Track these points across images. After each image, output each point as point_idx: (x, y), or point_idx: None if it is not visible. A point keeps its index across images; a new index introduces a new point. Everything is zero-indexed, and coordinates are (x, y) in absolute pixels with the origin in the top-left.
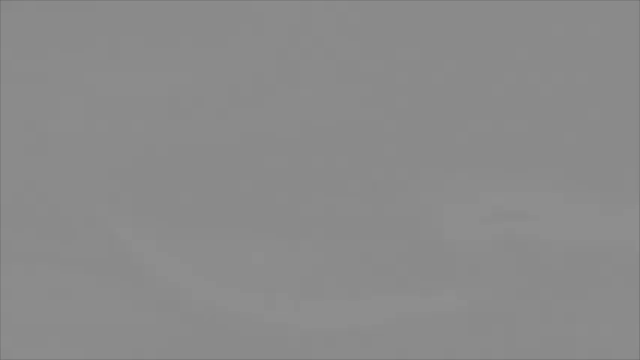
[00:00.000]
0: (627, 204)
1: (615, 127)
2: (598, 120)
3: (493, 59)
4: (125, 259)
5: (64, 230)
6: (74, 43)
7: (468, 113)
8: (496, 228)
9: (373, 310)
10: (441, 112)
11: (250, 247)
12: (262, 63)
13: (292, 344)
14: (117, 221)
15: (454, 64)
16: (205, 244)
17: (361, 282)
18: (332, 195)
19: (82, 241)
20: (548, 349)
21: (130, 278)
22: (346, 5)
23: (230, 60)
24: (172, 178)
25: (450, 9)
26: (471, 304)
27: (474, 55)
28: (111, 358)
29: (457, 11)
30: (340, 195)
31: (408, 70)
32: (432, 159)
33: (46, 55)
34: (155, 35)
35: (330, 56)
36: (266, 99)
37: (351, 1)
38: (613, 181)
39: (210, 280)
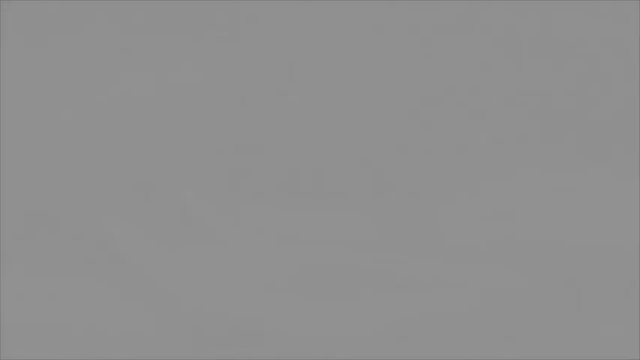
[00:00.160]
0: (628, 204)
1: (615, 128)
2: (598, 120)
3: (493, 59)
4: (124, 260)
5: (63, 230)
6: (75, 43)
7: (468, 113)
8: (496, 228)
9: (372, 311)
10: (441, 112)
11: (249, 249)
12: (268, 63)
13: (288, 346)
14: (117, 221)
15: (454, 64)
16: (204, 247)
17: (361, 282)
18: (331, 195)
19: (82, 241)
20: (549, 349)
21: (130, 279)
22: (350, 5)
23: (235, 60)
24: (173, 179)
25: (451, 9)
26: (470, 304)
27: (474, 55)
28: (111, 358)
29: (457, 11)
30: (340, 195)
31: (408, 70)
32: (431, 159)
33: (46, 55)
34: (155, 35)
35: (333, 57)
36: (273, 100)
37: (357, 1)
38: (613, 181)
39: (208, 282)
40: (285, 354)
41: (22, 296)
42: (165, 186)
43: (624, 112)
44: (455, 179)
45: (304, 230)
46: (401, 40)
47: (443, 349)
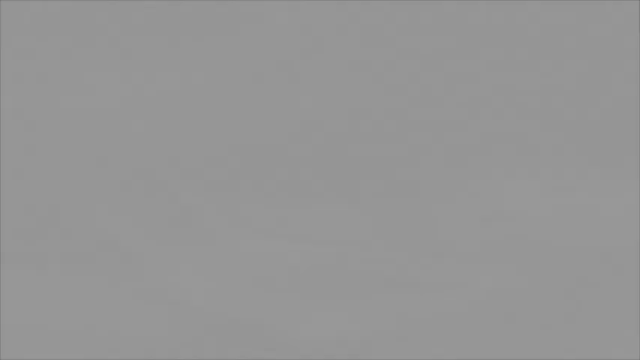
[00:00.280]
0: (628, 204)
1: (615, 128)
2: (598, 120)
3: (493, 59)
4: (125, 259)
5: (64, 230)
6: (75, 43)
7: (468, 113)
8: (496, 228)
9: (372, 311)
10: (442, 111)
11: (249, 248)
12: (268, 63)
13: (288, 346)
14: (117, 221)
15: (454, 64)
16: (204, 246)
17: (361, 282)
18: (331, 195)
19: (83, 241)
20: (548, 349)
21: (130, 279)
22: (350, 5)
23: (235, 60)
24: (173, 179)
25: (451, 9)
26: (471, 304)
27: (474, 55)
28: (111, 358)
29: (458, 11)
30: (340, 195)
31: (408, 70)
32: (431, 159)
33: (46, 55)
34: (155, 35)
35: (334, 57)
36: (273, 100)
37: (357, 1)
38: (614, 181)
39: (208, 282)
40: (285, 353)
41: (22, 296)
42: (165, 186)
43: (624, 112)
44: (454, 179)
45: (304, 230)
46: (401, 40)
47: (443, 349)
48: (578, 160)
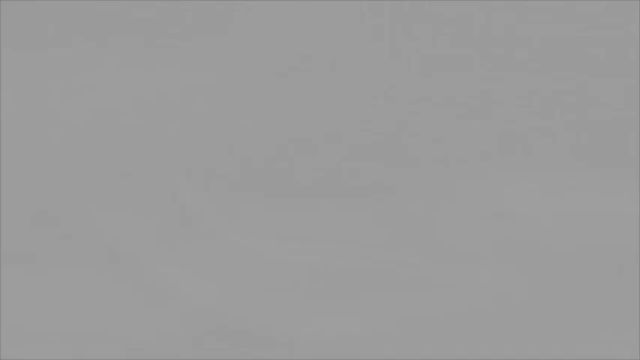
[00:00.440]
0: (628, 204)
1: (615, 129)
2: (598, 121)
3: (493, 59)
4: (124, 260)
5: (64, 230)
6: (75, 43)
7: (468, 113)
8: (496, 228)
9: (373, 311)
10: (442, 111)
11: (249, 248)
12: (268, 63)
13: (289, 346)
14: (117, 221)
15: (454, 64)
16: (204, 246)
17: (361, 282)
18: (331, 195)
19: (82, 241)
20: (549, 349)
21: (130, 279)
22: (350, 5)
23: (235, 60)
24: (173, 178)
25: (451, 9)
26: (471, 305)
27: (475, 55)
28: (111, 358)
29: (457, 11)
30: (340, 195)
31: (407, 70)
32: (431, 159)
33: (46, 54)
34: (155, 35)
35: (333, 57)
36: (273, 100)
37: (357, 1)
38: (614, 182)
39: (208, 282)
40: (286, 354)
41: (22, 296)
42: (165, 186)
43: (624, 112)
44: (454, 179)
45: (304, 230)
46: (401, 40)
47: (443, 349)
48: (579, 161)
